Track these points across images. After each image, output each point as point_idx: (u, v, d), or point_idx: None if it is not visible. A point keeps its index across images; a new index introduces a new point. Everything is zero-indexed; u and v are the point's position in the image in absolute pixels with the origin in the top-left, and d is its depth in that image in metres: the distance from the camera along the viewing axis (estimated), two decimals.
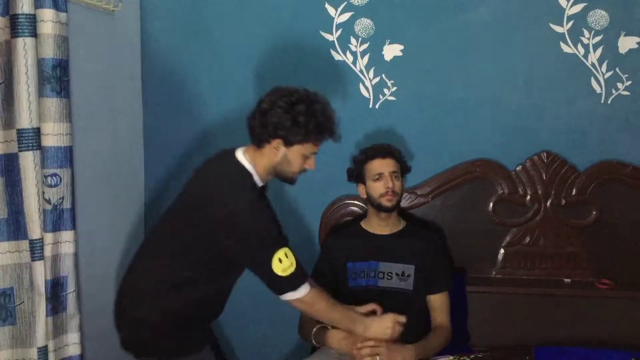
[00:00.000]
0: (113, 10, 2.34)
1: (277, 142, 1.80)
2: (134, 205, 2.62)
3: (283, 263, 1.75)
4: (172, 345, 1.86)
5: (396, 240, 2.24)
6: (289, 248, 1.79)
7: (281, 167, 1.85)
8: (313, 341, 2.08)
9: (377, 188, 2.17)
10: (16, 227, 1.89)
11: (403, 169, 2.25)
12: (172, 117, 2.62)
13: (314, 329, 2.06)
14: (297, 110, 1.77)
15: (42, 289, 1.91)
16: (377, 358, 1.93)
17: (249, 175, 1.83)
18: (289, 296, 1.79)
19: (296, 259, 1.79)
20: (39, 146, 1.88)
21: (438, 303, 2.20)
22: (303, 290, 1.80)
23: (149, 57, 2.60)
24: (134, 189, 2.61)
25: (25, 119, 1.84)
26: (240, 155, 1.86)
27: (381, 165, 2.18)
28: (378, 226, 2.25)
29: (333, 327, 2.01)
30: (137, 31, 2.57)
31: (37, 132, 1.87)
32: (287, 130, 1.77)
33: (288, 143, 1.80)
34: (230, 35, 2.55)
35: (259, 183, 1.86)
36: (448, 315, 2.21)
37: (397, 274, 2.19)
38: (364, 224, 2.30)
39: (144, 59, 2.61)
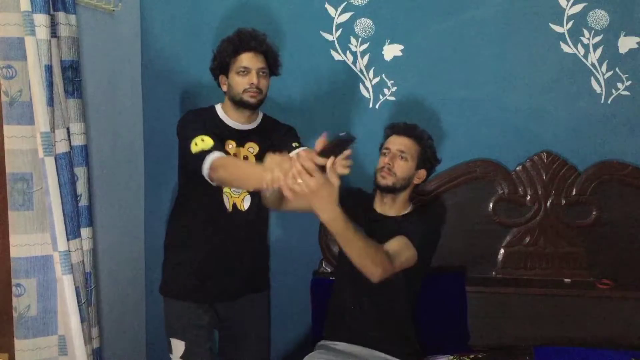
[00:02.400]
0: (113, 10, 2.34)
1: (222, 79, 2.10)
2: (134, 204, 2.62)
3: (198, 145, 1.93)
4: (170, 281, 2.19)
5: (400, 223, 2.07)
6: (207, 135, 1.94)
7: (231, 95, 2.07)
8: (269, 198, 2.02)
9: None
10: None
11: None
12: (172, 117, 2.62)
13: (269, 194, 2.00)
14: (222, 44, 2.08)
15: (75, 300, 1.88)
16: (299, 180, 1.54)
17: (211, 108, 2.14)
18: (204, 172, 1.89)
19: (214, 142, 1.93)
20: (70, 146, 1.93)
21: (395, 240, 1.95)
22: (207, 161, 1.89)
23: (149, 57, 2.60)
24: (134, 188, 2.61)
25: (46, 122, 1.81)
26: (218, 104, 2.17)
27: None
28: (384, 207, 2.14)
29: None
30: (137, 31, 2.57)
31: (67, 132, 1.91)
32: (215, 63, 2.09)
33: (225, 73, 2.07)
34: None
35: (228, 121, 2.10)
36: (395, 252, 1.89)
37: None
38: (375, 205, 2.17)
39: (144, 59, 2.61)
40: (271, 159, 1.63)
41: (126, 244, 2.55)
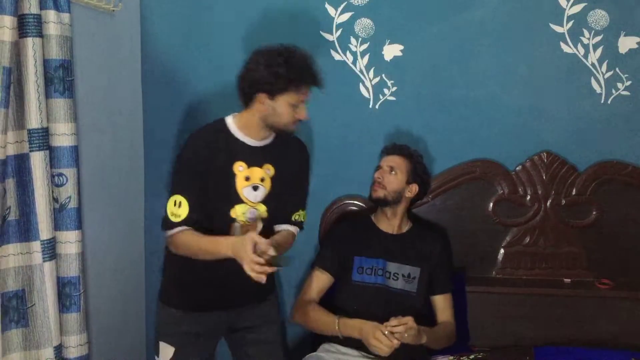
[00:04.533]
0: (113, 10, 2.34)
1: (262, 97, 1.91)
2: (134, 205, 2.62)
3: (175, 208, 1.91)
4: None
5: (405, 241, 2.26)
6: (191, 200, 1.91)
7: (272, 120, 1.94)
8: (340, 332, 2.06)
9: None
10: (26, 229, 1.89)
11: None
12: (172, 117, 2.62)
13: (337, 320, 2.06)
14: (276, 62, 1.89)
15: (55, 289, 1.92)
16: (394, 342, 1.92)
17: (222, 124, 1.99)
18: (167, 233, 1.95)
19: (188, 214, 1.90)
20: (47, 146, 1.89)
21: (442, 303, 2.24)
22: (170, 232, 1.94)
23: (149, 57, 2.60)
24: (134, 189, 2.61)
25: (35, 119, 1.84)
26: (228, 116, 2.02)
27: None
28: (388, 225, 2.28)
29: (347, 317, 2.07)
30: (137, 31, 2.57)
31: (46, 132, 1.88)
32: (268, 82, 1.89)
33: (271, 95, 1.90)
34: (230, 35, 2.55)
35: (244, 138, 1.98)
36: (452, 315, 2.24)
37: (403, 275, 2.20)
38: (374, 219, 2.32)
39: (144, 59, 2.60)
40: (242, 245, 1.77)
41: (126, 246, 2.54)
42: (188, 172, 1.95)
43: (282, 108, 1.92)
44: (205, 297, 2.05)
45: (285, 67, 1.88)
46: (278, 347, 2.18)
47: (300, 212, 2.13)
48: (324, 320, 2.11)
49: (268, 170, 2.00)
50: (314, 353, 2.14)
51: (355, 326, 2.03)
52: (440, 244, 2.29)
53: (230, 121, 2.00)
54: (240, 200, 1.97)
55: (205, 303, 2.05)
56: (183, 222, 1.91)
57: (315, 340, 2.23)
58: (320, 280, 2.24)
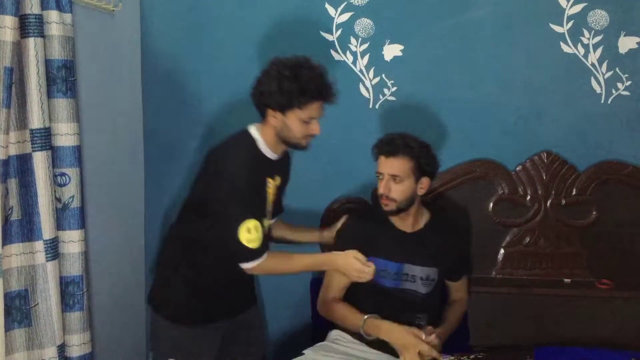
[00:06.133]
0: (113, 10, 2.34)
1: (272, 111, 1.87)
2: (134, 205, 2.62)
3: (251, 234, 1.84)
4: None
5: (422, 239, 2.14)
6: (261, 224, 1.87)
7: (284, 134, 1.91)
8: (363, 332, 2.03)
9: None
10: (29, 229, 1.89)
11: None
12: (172, 117, 2.62)
13: (364, 319, 2.02)
14: (284, 75, 1.83)
15: (58, 288, 1.93)
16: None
17: (252, 141, 1.93)
18: (244, 265, 1.90)
19: (263, 238, 1.87)
20: (50, 146, 1.90)
21: (458, 285, 2.26)
22: (255, 262, 1.90)
23: (149, 57, 2.60)
24: (134, 189, 2.61)
25: (37, 119, 1.84)
26: (252, 127, 1.96)
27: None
28: (404, 223, 2.13)
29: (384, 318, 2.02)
30: (137, 31, 2.57)
31: (49, 132, 1.89)
32: (274, 97, 1.84)
33: (281, 110, 1.86)
34: (230, 35, 2.55)
35: (268, 153, 1.95)
36: (466, 291, 2.27)
37: (421, 278, 2.12)
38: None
39: (144, 59, 2.60)
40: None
41: (126, 245, 2.54)
42: (245, 196, 1.87)
43: (293, 124, 1.88)
44: (217, 308, 2.05)
45: (293, 81, 1.82)
46: (262, 347, 2.28)
47: None
48: (350, 320, 2.08)
49: (277, 179, 2.03)
50: (314, 348, 2.14)
51: (383, 328, 1.99)
52: (458, 236, 2.22)
53: (257, 136, 1.94)
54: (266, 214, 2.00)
55: (216, 314, 2.06)
56: (264, 247, 1.89)
57: (316, 340, 2.23)
58: (341, 280, 2.11)
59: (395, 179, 2.03)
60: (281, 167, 2.06)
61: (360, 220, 2.21)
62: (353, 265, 1.97)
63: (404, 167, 2.04)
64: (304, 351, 2.09)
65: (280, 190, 2.10)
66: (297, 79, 1.83)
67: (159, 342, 2.07)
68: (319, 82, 1.88)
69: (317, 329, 2.32)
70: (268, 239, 1.95)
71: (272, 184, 2.00)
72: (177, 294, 2.04)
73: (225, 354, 2.17)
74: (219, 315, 2.07)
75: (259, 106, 1.92)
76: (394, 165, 2.03)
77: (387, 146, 2.05)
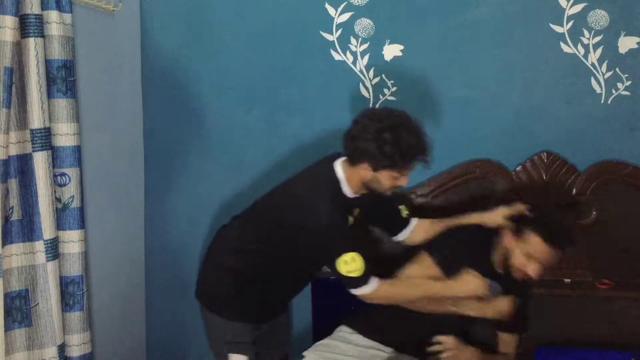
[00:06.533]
0: (113, 10, 2.34)
1: (365, 165, 1.88)
2: (134, 205, 2.62)
3: (349, 265, 1.90)
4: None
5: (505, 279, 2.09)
6: (358, 253, 1.90)
7: (371, 185, 1.94)
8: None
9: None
10: (30, 229, 1.90)
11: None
12: (172, 117, 2.62)
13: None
14: (384, 138, 1.82)
15: (58, 288, 1.93)
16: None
17: (336, 183, 1.95)
18: (353, 292, 1.96)
19: (364, 263, 1.91)
20: (50, 146, 1.90)
21: (507, 337, 2.18)
22: (365, 289, 1.94)
23: (149, 57, 2.60)
24: (134, 189, 2.61)
25: (37, 119, 1.84)
26: (338, 165, 1.98)
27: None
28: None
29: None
30: (137, 31, 2.57)
31: (49, 132, 1.89)
32: (373, 158, 1.85)
33: (375, 169, 1.87)
34: (230, 35, 2.55)
35: (349, 193, 1.97)
36: (514, 349, 2.19)
37: None
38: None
39: (144, 59, 2.61)
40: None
41: (126, 245, 2.55)
42: (339, 233, 1.93)
43: (384, 179, 1.90)
44: (269, 310, 2.18)
45: (395, 146, 1.82)
46: (287, 345, 2.37)
47: (400, 207, 2.18)
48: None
49: (356, 212, 2.06)
50: (314, 346, 2.14)
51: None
52: (526, 293, 2.16)
53: (342, 177, 1.96)
54: None
55: (266, 315, 2.17)
56: (368, 273, 1.93)
57: (316, 340, 2.23)
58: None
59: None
60: (359, 200, 2.04)
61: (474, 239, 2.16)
62: (479, 286, 1.99)
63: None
64: (304, 353, 2.10)
65: (368, 216, 2.13)
66: (399, 144, 1.83)
67: (216, 335, 2.13)
68: (421, 145, 1.89)
69: (317, 329, 2.32)
70: (374, 265, 1.96)
71: (351, 218, 2.03)
72: (248, 301, 2.08)
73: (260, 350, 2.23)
74: (270, 314, 2.20)
75: (351, 157, 1.92)
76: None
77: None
